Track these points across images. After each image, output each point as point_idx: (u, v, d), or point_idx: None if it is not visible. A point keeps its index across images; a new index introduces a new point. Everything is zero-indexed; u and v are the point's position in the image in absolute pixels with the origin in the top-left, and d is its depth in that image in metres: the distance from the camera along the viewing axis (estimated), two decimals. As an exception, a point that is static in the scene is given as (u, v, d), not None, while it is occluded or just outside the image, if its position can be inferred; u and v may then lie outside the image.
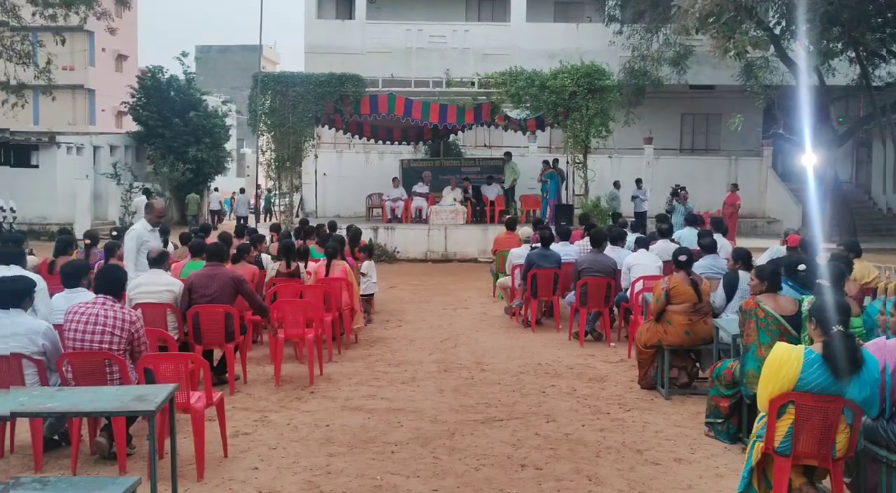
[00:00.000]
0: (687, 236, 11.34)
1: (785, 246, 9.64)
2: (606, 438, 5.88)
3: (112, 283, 5.52)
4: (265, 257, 9.47)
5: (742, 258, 7.23)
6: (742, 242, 14.16)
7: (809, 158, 20.83)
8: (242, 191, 31.22)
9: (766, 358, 4.38)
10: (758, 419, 4.59)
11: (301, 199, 21.24)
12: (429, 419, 6.29)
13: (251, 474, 5.16)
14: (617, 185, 20.21)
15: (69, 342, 5.32)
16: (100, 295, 5.45)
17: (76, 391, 4.48)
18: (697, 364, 7.31)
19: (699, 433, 6.02)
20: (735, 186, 20.27)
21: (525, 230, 11.33)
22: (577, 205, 18.54)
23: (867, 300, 6.94)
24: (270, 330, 8.02)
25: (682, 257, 6.95)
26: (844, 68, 20.91)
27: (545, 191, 19.32)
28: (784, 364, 4.18)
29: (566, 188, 19.64)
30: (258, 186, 23.94)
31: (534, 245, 10.55)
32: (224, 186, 32.56)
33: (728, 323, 6.48)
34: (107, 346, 5.25)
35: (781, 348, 4.32)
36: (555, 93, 17.56)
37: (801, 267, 6.35)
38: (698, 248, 8.87)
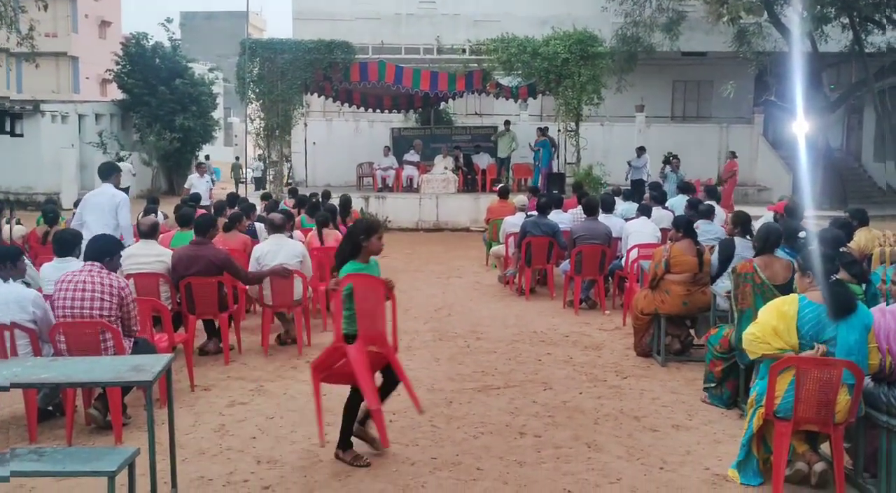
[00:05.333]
0: (679, 204, 11.32)
1: (773, 213, 9.50)
2: (604, 405, 5.89)
3: (101, 250, 5.41)
4: (258, 226, 9.36)
5: (742, 223, 7.12)
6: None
7: (801, 126, 20.78)
8: (207, 157, 30.53)
9: (761, 309, 4.41)
10: (753, 387, 4.60)
11: (290, 168, 21.05)
12: (426, 388, 6.27)
13: (249, 443, 5.14)
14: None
15: (59, 311, 5.25)
16: (87, 263, 5.37)
17: (71, 362, 4.42)
18: (692, 331, 7.31)
19: (696, 399, 6.04)
20: (733, 154, 20.29)
21: (520, 198, 11.25)
22: (569, 173, 18.45)
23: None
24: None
25: (697, 226, 6.93)
26: (837, 35, 20.79)
27: (537, 159, 19.22)
28: (782, 304, 4.27)
29: (557, 157, 19.53)
30: (240, 157, 23.60)
31: (529, 213, 10.49)
32: (214, 155, 32.12)
33: (724, 290, 6.46)
34: (97, 312, 5.19)
35: (776, 299, 4.46)
36: (547, 60, 17.36)
37: (802, 234, 6.33)
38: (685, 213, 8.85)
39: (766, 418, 4.24)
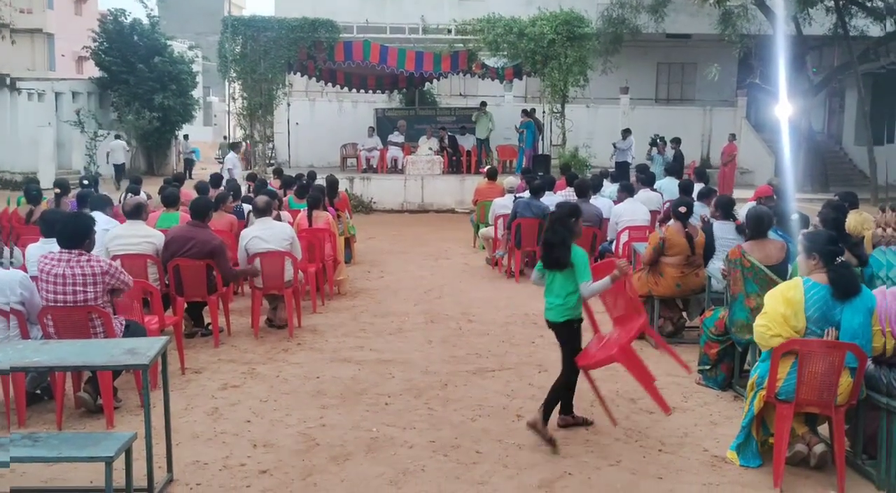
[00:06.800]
0: (667, 186, 11.33)
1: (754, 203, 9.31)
2: (600, 387, 5.84)
3: (73, 236, 5.13)
4: (246, 207, 9.23)
5: (723, 206, 7.13)
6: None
7: (784, 108, 20.85)
8: (186, 136, 30.32)
9: (766, 295, 4.40)
10: (753, 369, 4.60)
11: (272, 148, 20.79)
12: (420, 371, 6.23)
13: (244, 427, 5.07)
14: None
15: (43, 297, 5.12)
16: (64, 251, 5.11)
17: (63, 345, 4.32)
18: (684, 314, 7.32)
19: (690, 381, 6.04)
20: (733, 136, 20.43)
21: (510, 180, 11.18)
22: (555, 155, 18.40)
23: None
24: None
25: (682, 209, 6.89)
26: (821, 17, 20.83)
27: (522, 140, 19.15)
28: (787, 289, 4.27)
29: (543, 138, 19.46)
30: (225, 138, 23.46)
31: (517, 195, 10.43)
32: (193, 135, 31.79)
33: (719, 272, 6.46)
34: (81, 301, 5.05)
35: (780, 285, 4.42)
36: (533, 40, 17.26)
37: (795, 216, 6.34)
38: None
39: (768, 400, 4.24)
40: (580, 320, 4.95)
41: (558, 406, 5.01)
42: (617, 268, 4.72)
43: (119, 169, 23.57)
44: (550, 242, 4.86)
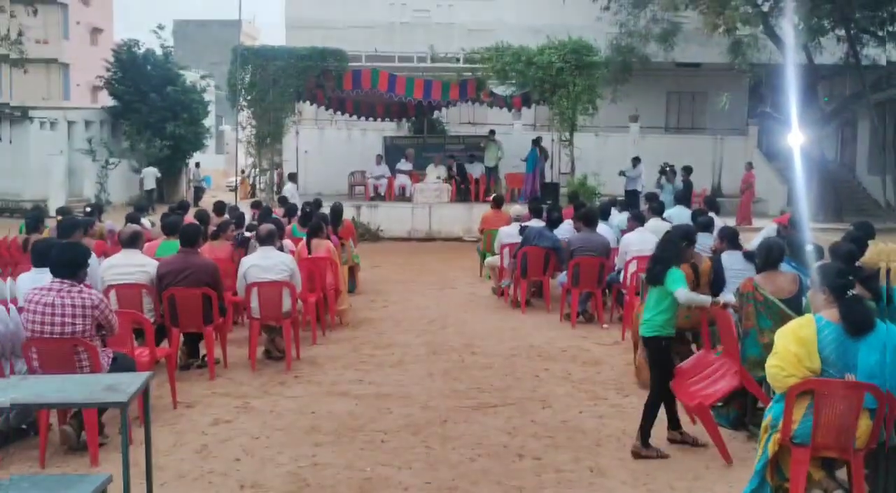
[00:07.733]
0: (677, 215, 11.11)
1: (776, 226, 9.36)
2: (606, 425, 5.63)
3: (68, 265, 5.03)
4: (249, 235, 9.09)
5: (729, 237, 6.97)
6: (730, 222, 13.92)
7: (796, 138, 20.66)
8: (197, 164, 30.37)
9: (777, 333, 4.17)
10: (767, 410, 4.36)
11: (280, 176, 20.78)
12: (419, 406, 6.01)
13: (232, 465, 4.86)
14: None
15: (28, 333, 4.94)
16: (55, 280, 4.99)
17: (41, 380, 4.15)
18: (694, 347, 7.08)
19: (701, 419, 5.78)
20: (750, 165, 20.31)
21: (516, 209, 11.01)
22: (564, 183, 18.26)
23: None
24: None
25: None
26: (832, 47, 20.71)
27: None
28: (799, 328, 4.02)
29: (551, 167, 19.33)
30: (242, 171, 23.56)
31: (523, 224, 10.24)
32: (204, 163, 31.87)
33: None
34: (69, 333, 4.89)
35: (792, 323, 4.17)
36: (541, 69, 17.19)
37: (809, 247, 6.13)
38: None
39: (783, 444, 3.99)
40: (669, 339, 5.15)
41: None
42: (723, 301, 5.31)
43: (150, 195, 24.73)
44: (655, 258, 5.19)
